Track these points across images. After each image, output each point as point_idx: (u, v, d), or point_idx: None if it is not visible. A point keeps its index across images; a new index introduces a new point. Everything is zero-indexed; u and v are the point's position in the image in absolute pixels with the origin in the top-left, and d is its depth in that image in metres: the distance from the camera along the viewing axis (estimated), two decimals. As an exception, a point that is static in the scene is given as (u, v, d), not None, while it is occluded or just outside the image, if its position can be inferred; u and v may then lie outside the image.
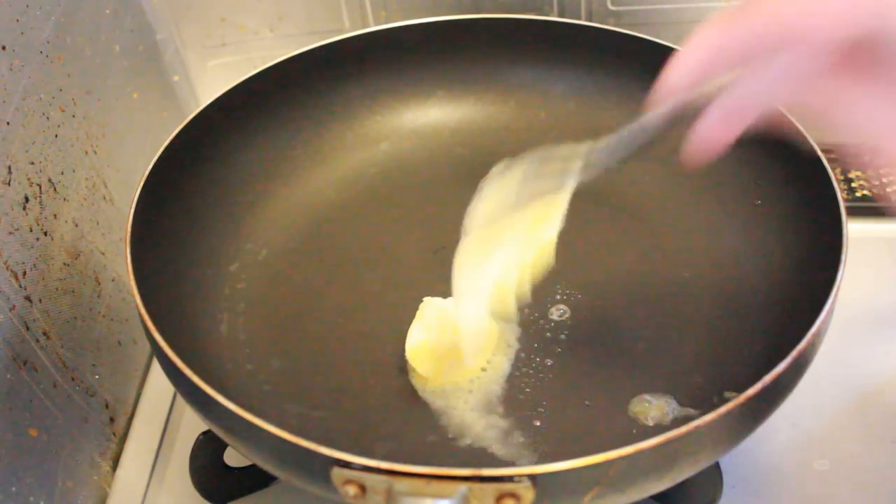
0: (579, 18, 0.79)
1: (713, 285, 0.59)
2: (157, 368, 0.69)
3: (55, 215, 0.59)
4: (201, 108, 0.63)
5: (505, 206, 0.46)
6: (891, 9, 0.29)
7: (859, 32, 0.30)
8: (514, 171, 0.47)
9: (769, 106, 0.35)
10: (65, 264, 0.59)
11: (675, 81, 0.35)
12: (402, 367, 0.55)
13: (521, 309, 0.58)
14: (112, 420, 0.63)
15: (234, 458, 0.57)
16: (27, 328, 0.54)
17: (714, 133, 0.36)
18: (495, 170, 0.48)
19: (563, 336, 0.57)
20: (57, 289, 0.58)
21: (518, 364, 0.56)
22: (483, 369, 0.55)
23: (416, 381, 0.55)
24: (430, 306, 0.55)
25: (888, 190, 0.37)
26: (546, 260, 0.50)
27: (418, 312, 0.56)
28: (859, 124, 0.33)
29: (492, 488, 0.40)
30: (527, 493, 0.40)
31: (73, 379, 0.59)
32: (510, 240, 0.47)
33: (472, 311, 0.50)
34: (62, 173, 0.60)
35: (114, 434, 0.64)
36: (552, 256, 0.49)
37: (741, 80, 0.34)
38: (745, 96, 0.34)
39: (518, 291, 0.50)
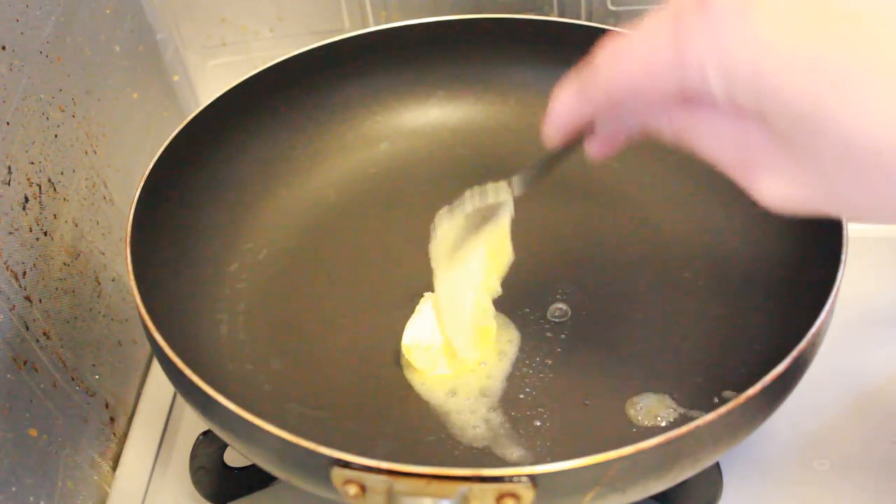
0: (579, 18, 0.79)
1: (713, 285, 0.59)
2: (157, 368, 0.69)
3: (55, 215, 0.59)
4: (201, 108, 0.62)
5: (459, 236, 0.53)
6: (706, 68, 0.31)
7: (682, 89, 0.33)
8: (457, 210, 0.52)
9: (632, 136, 0.41)
10: (65, 264, 0.59)
11: (553, 132, 0.42)
12: (403, 367, 0.56)
13: (520, 308, 0.58)
14: (112, 420, 0.63)
15: (234, 458, 0.57)
16: (27, 328, 0.54)
17: (599, 152, 0.43)
18: (441, 212, 0.53)
19: (563, 336, 0.57)
20: (57, 289, 0.58)
21: (518, 364, 0.56)
22: (482, 364, 0.55)
23: (415, 380, 0.55)
24: (430, 302, 0.55)
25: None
26: (506, 257, 0.54)
27: (417, 308, 0.56)
28: (705, 151, 0.36)
29: (492, 488, 0.40)
30: (527, 493, 0.40)
31: (73, 379, 0.59)
32: (474, 261, 0.53)
33: (458, 329, 0.54)
34: (62, 173, 0.60)
35: (114, 434, 0.64)
36: (510, 251, 0.54)
37: (600, 120, 0.41)
38: (607, 131, 0.42)
39: (491, 294, 0.55)
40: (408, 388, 0.55)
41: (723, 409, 0.42)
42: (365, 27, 0.80)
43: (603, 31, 0.66)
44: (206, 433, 0.56)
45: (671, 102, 0.35)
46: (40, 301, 0.56)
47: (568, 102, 0.40)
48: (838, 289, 0.48)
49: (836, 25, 0.28)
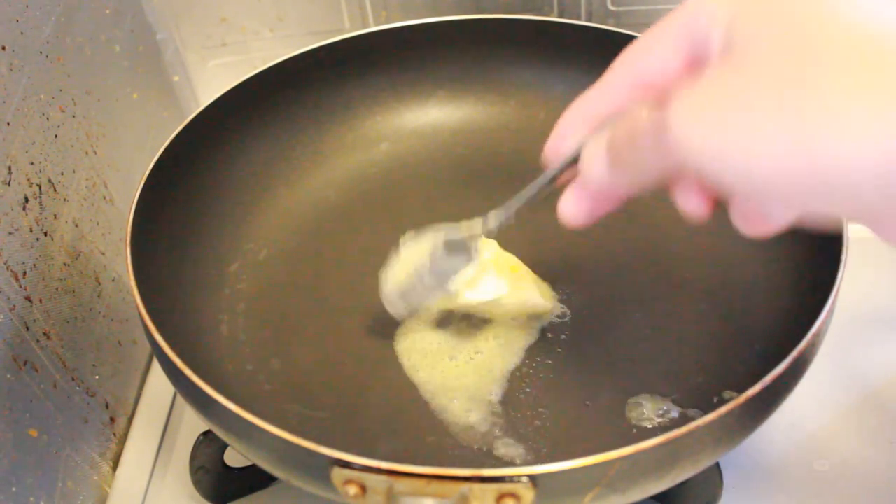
0: (579, 18, 0.79)
1: (713, 286, 0.59)
2: (157, 368, 0.69)
3: (55, 215, 0.59)
4: (201, 108, 0.63)
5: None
6: (690, 153, 0.35)
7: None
8: (422, 243, 0.53)
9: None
10: (65, 264, 0.59)
11: (557, 149, 0.44)
12: (403, 367, 0.56)
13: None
14: (112, 420, 0.63)
15: (234, 458, 0.57)
16: (27, 328, 0.54)
17: (587, 216, 0.45)
18: (404, 238, 0.53)
19: (563, 336, 0.57)
20: (57, 289, 0.58)
21: (518, 364, 0.56)
22: (484, 370, 0.55)
23: (416, 380, 0.55)
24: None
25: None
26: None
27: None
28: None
29: (492, 488, 0.40)
30: (527, 493, 0.40)
31: (73, 379, 0.59)
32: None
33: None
34: (62, 173, 0.60)
35: (114, 434, 0.64)
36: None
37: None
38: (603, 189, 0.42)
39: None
40: (408, 388, 0.55)
41: (723, 410, 0.42)
42: (365, 27, 0.80)
43: (603, 32, 0.67)
44: (206, 433, 0.56)
45: None
46: (40, 301, 0.56)
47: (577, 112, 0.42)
48: (838, 289, 0.48)
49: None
